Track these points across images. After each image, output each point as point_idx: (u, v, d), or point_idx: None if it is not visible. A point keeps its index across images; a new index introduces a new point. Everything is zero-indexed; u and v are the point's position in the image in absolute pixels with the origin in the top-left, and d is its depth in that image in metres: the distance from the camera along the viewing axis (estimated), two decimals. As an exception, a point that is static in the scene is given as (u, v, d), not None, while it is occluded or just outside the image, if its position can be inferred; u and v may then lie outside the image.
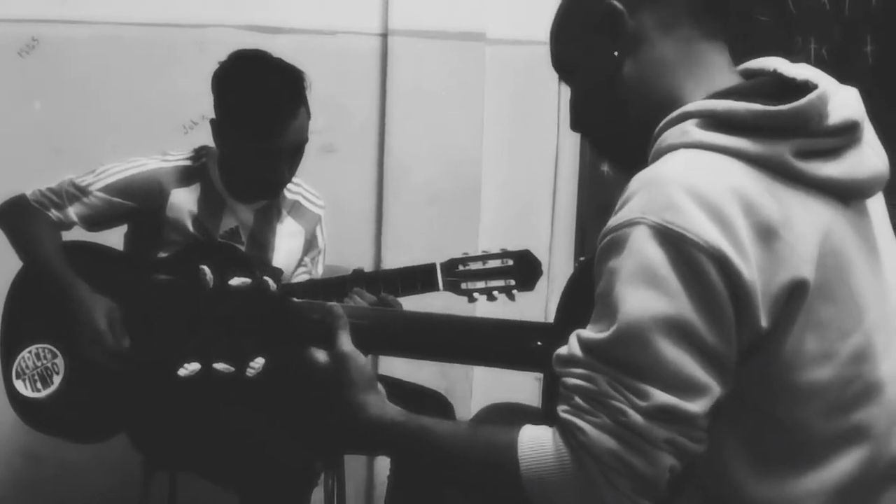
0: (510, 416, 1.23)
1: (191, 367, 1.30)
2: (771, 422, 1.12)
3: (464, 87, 2.77)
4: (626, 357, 1.07)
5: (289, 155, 2.09)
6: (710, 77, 1.22)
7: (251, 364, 1.33)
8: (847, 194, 1.16)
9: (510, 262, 2.09)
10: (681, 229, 1.05)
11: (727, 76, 1.23)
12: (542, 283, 2.12)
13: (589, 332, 1.11)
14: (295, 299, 1.41)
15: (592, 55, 1.27)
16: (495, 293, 2.09)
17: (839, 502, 1.14)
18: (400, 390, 2.30)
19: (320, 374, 1.32)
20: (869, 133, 1.21)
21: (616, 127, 1.29)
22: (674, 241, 1.05)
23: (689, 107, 1.17)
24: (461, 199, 2.81)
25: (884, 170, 1.20)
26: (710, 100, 1.17)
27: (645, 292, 1.06)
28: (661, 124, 1.19)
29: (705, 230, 1.05)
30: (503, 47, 2.80)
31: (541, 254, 2.15)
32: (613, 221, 1.11)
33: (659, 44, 1.23)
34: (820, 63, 2.69)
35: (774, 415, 1.12)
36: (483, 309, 2.13)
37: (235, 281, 1.32)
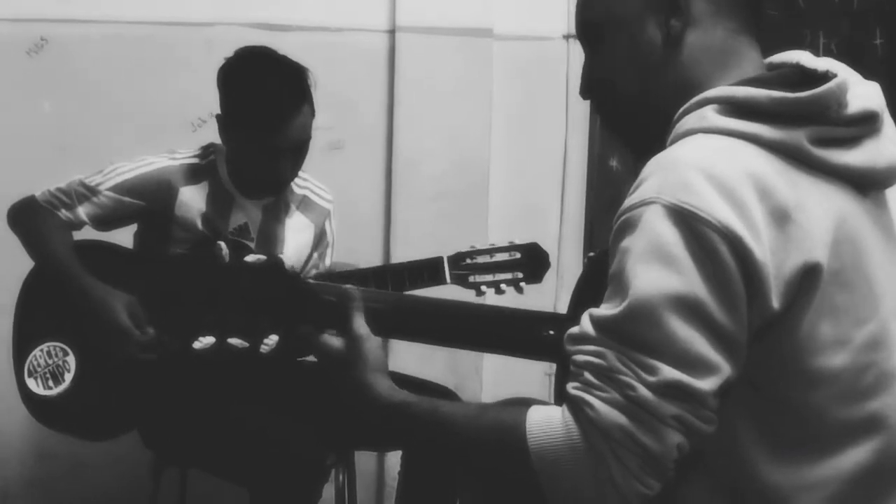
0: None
1: (206, 341, 1.32)
2: (784, 407, 1.12)
3: (471, 83, 2.77)
4: (637, 333, 1.07)
5: (291, 153, 2.09)
6: (741, 69, 1.22)
7: (265, 341, 1.34)
8: (864, 183, 1.16)
9: (517, 255, 2.09)
10: (694, 209, 1.06)
11: (755, 68, 1.24)
12: (551, 278, 2.12)
13: (600, 310, 1.12)
14: (309, 280, 1.42)
15: (641, 26, 1.25)
16: (503, 286, 2.10)
17: (852, 491, 1.14)
18: (409, 386, 2.30)
19: (332, 353, 1.33)
20: (889, 126, 1.21)
21: (637, 102, 1.28)
22: (687, 220, 1.06)
23: (709, 93, 1.18)
24: (469, 195, 2.81)
25: None
26: (730, 86, 1.17)
27: (657, 269, 1.07)
28: (681, 110, 1.19)
29: (719, 210, 1.05)
30: (510, 43, 2.80)
31: (550, 249, 2.15)
32: (628, 202, 1.12)
33: (708, 29, 1.23)
34: (829, 57, 2.68)
35: (788, 400, 1.12)
36: (492, 302, 2.13)
37: (251, 257, 1.33)
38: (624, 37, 1.27)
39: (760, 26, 1.27)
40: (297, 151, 2.11)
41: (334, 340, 1.33)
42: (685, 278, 1.06)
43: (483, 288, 2.09)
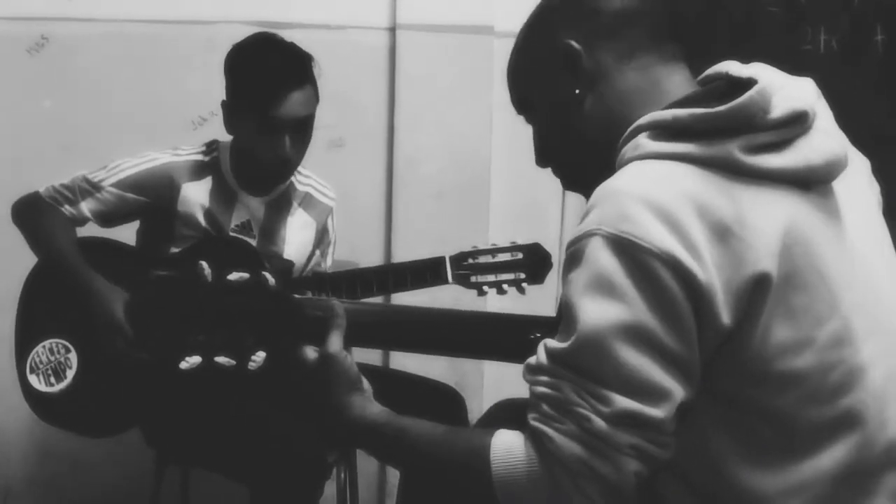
0: (522, 410, 1.24)
1: (192, 361, 1.32)
2: (757, 414, 1.13)
3: (472, 80, 2.77)
4: (588, 364, 1.10)
5: (293, 130, 2.08)
6: (666, 97, 1.24)
7: (252, 358, 1.34)
8: (805, 181, 1.17)
9: (520, 256, 2.09)
10: (634, 237, 1.08)
11: (684, 90, 1.25)
12: (553, 277, 2.12)
13: (554, 342, 1.14)
14: (295, 295, 1.43)
15: (552, 93, 1.30)
16: (505, 286, 2.10)
17: (836, 489, 1.14)
18: (412, 386, 2.31)
19: (308, 373, 1.34)
20: (824, 120, 1.22)
21: (581, 157, 1.32)
22: (627, 249, 1.08)
23: (640, 120, 1.20)
24: (470, 193, 2.81)
25: (840, 153, 1.20)
26: (658, 111, 1.19)
27: (602, 301, 1.09)
28: (620, 142, 1.22)
29: (658, 237, 1.07)
30: (511, 40, 2.76)
31: (551, 247, 2.15)
32: (573, 235, 1.15)
33: (618, 76, 1.27)
34: (830, 54, 2.68)
35: (759, 407, 1.13)
36: (493, 303, 2.13)
37: (234, 276, 1.33)
38: (546, 104, 1.33)
39: (687, 51, 1.29)
40: (299, 129, 2.10)
41: (310, 356, 1.33)
42: (630, 307, 1.08)
43: (485, 288, 2.09)
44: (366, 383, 1.35)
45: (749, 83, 1.17)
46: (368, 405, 1.31)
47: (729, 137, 1.13)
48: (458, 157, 2.80)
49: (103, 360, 2.06)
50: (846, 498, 1.15)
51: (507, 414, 1.60)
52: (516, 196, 2.87)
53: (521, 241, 2.13)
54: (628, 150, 1.19)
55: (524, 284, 2.10)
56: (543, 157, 1.39)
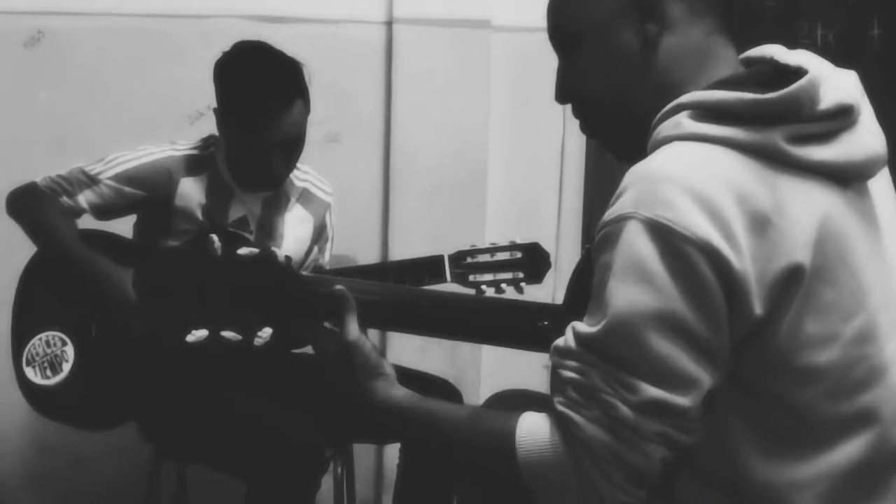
0: (519, 403, 1.25)
1: (199, 334, 1.32)
2: (777, 405, 1.13)
3: (469, 74, 2.77)
4: (617, 351, 1.09)
5: (282, 148, 2.08)
6: (717, 69, 1.22)
7: (259, 333, 1.34)
8: (845, 176, 1.16)
9: (519, 255, 2.09)
10: (671, 223, 1.06)
11: (731, 67, 1.23)
12: (550, 276, 2.12)
13: (583, 326, 1.14)
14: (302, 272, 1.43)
15: (616, 33, 1.24)
16: (503, 286, 2.09)
17: (848, 486, 1.14)
18: (408, 379, 2.30)
19: (327, 358, 1.34)
20: (866, 115, 1.21)
21: (615, 108, 1.27)
22: (664, 236, 1.07)
23: (683, 98, 1.17)
24: (467, 187, 2.81)
25: (881, 151, 1.19)
26: (702, 91, 1.17)
27: (635, 287, 1.08)
28: (657, 116, 1.19)
29: (696, 223, 1.06)
30: (508, 34, 2.79)
31: (547, 242, 2.15)
32: (608, 215, 1.13)
33: (684, 32, 1.22)
34: (826, 48, 2.68)
35: (780, 398, 1.13)
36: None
37: (243, 250, 1.33)
38: (601, 44, 1.25)
39: (734, 25, 1.26)
40: (289, 147, 2.09)
41: (328, 346, 1.34)
42: (663, 295, 1.07)
43: (483, 287, 2.09)
44: (388, 367, 1.35)
45: (795, 71, 1.15)
46: (392, 389, 1.32)
47: (774, 125, 1.11)
48: (455, 151, 2.79)
49: (114, 340, 2.05)
50: (855, 496, 1.15)
51: (505, 406, 1.60)
52: (513, 190, 2.87)
53: (518, 236, 2.12)
54: (666, 127, 1.16)
55: (523, 284, 2.10)
56: (568, 97, 1.32)
